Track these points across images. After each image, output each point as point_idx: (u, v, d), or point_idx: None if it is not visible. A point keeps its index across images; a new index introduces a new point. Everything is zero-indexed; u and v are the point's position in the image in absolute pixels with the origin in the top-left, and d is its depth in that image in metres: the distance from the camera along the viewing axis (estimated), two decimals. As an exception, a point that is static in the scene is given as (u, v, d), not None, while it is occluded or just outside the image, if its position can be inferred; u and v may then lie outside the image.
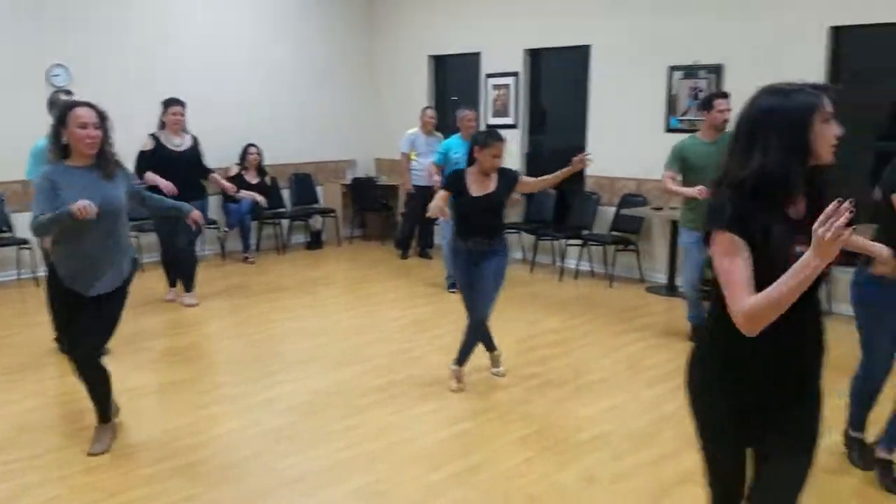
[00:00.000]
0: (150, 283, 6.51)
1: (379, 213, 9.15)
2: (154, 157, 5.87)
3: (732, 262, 1.80)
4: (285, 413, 3.98)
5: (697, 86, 6.64)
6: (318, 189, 9.11)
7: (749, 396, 1.94)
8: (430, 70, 8.99)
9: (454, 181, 4.23)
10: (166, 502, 3.07)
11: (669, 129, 6.85)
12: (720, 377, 1.97)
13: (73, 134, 3.23)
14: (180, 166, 5.93)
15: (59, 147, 3.29)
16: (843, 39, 5.97)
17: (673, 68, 6.78)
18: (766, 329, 1.76)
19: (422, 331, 5.50)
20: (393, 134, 8.46)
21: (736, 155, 1.89)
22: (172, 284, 6.28)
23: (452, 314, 5.89)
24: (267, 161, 8.30)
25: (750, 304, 1.74)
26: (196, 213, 3.86)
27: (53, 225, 3.21)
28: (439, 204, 4.07)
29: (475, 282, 4.19)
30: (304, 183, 8.92)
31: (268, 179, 8.15)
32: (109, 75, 7.11)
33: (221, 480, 3.25)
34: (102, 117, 3.29)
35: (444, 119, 9.07)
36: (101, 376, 3.48)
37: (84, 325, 3.37)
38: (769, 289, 1.71)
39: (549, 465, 3.39)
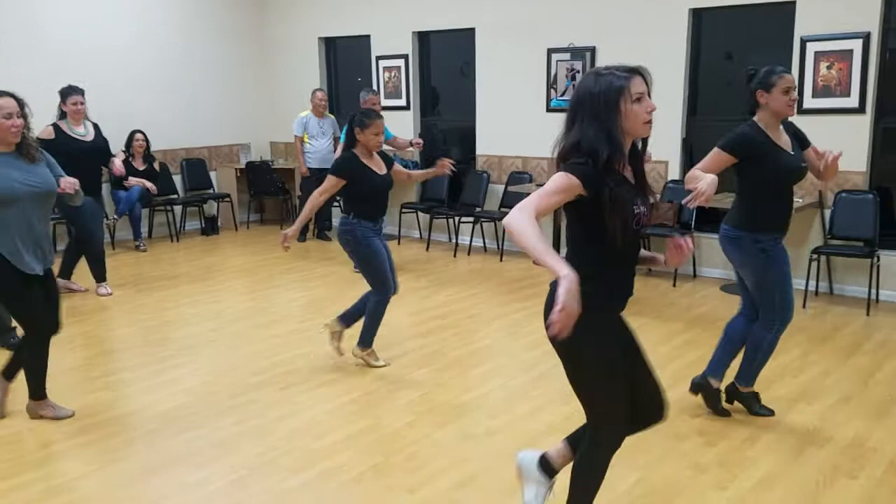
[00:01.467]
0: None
1: (276, 196, 9.16)
2: (56, 147, 5.33)
3: (552, 195, 2.08)
4: (178, 395, 4.06)
5: (574, 67, 6.99)
6: (213, 174, 9.03)
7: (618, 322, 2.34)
8: (322, 52, 9.03)
9: (351, 165, 4.15)
10: (58, 482, 3.12)
11: (550, 109, 7.19)
12: (606, 309, 2.27)
13: None
14: (87, 156, 5.76)
15: None
16: (705, 21, 6.44)
17: (551, 50, 7.11)
18: (620, 272, 2.25)
19: (318, 311, 5.64)
20: (287, 116, 8.49)
21: (565, 130, 2.21)
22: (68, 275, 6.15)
23: (350, 292, 6.05)
24: (158, 146, 8.16)
25: (527, 221, 1.99)
26: (69, 179, 3.75)
27: None
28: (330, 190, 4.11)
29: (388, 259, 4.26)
30: (196, 168, 8.82)
31: (156, 165, 8.01)
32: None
33: (115, 459, 3.33)
34: (21, 104, 3.41)
35: (338, 101, 9.17)
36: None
37: (47, 295, 3.58)
38: (541, 237, 1.97)
39: (430, 426, 3.63)
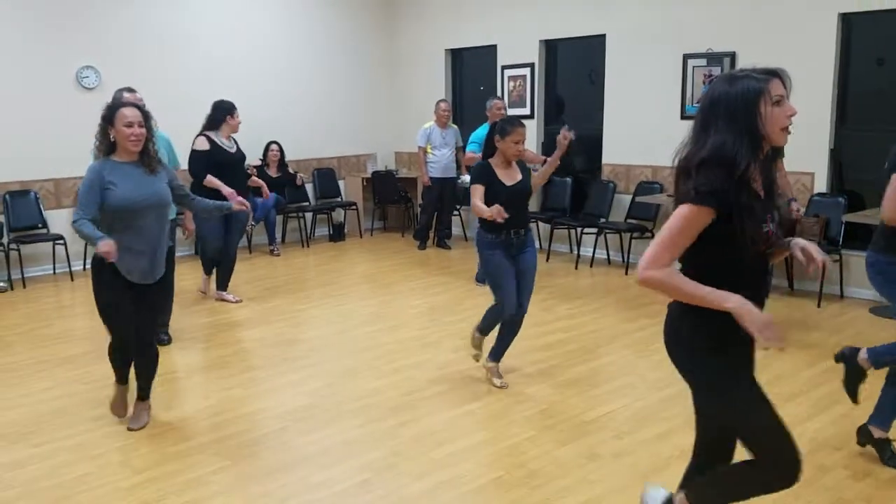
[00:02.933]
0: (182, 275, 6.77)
1: (398, 205, 9.34)
2: (212, 158, 5.79)
3: (681, 236, 1.96)
4: (305, 395, 4.19)
5: (712, 73, 6.70)
6: (341, 183, 9.34)
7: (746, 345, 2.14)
8: (448, 63, 9.14)
9: (484, 174, 4.07)
10: (192, 476, 3.28)
11: (685, 116, 6.92)
12: (727, 333, 2.02)
13: (119, 132, 3.46)
14: (237, 167, 6.00)
15: (108, 144, 3.52)
16: (854, 25, 5.99)
17: (687, 56, 6.84)
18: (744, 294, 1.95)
19: (437, 318, 5.68)
20: (412, 127, 8.63)
21: (694, 137, 2.06)
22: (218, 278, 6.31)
23: (468, 301, 6.07)
24: (291, 156, 8.55)
25: (664, 275, 1.94)
26: (239, 199, 4.06)
27: (89, 240, 3.44)
28: (496, 207, 3.85)
29: (515, 275, 4.12)
30: (326, 177, 9.15)
31: (298, 179, 8.36)
32: (136, 75, 7.33)
33: (246, 455, 3.46)
34: (146, 116, 3.54)
35: (462, 111, 9.24)
36: (153, 357, 3.76)
37: (148, 305, 3.64)
38: (689, 281, 1.92)
39: (552, 443, 3.54)
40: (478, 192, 4.02)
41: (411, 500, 3.07)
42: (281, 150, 8.34)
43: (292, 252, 8.34)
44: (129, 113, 3.46)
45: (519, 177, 4.14)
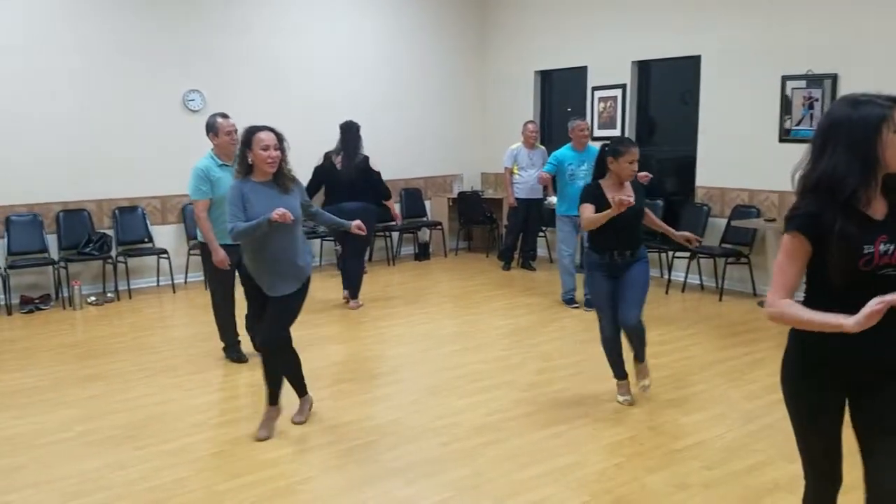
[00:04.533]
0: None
1: (483, 225, 9.37)
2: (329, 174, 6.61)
3: (787, 264, 2.00)
4: (392, 410, 4.25)
5: (812, 95, 6.45)
6: (427, 203, 9.46)
7: (831, 386, 2.10)
8: (537, 85, 9.16)
9: (594, 195, 4.04)
10: (282, 484, 3.37)
11: (784, 139, 6.68)
12: (806, 369, 2.11)
13: (256, 155, 3.69)
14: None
15: (245, 166, 3.75)
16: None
17: (786, 77, 6.61)
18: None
19: (521, 339, 5.65)
20: (499, 148, 8.66)
21: (811, 159, 2.04)
22: (345, 288, 6.87)
23: (552, 323, 6.02)
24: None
25: (781, 308, 1.98)
26: (356, 223, 4.24)
27: (253, 231, 3.66)
28: (598, 216, 3.91)
29: (615, 294, 4.10)
30: (413, 197, 9.29)
31: (397, 220, 8.43)
32: (237, 98, 7.71)
33: (334, 467, 3.54)
34: (280, 138, 3.75)
35: (550, 132, 9.22)
36: (281, 362, 3.96)
37: (266, 319, 3.86)
38: (806, 312, 1.93)
39: (640, 470, 3.45)
40: (587, 209, 4.00)
41: (494, 520, 3.05)
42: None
43: (379, 270, 8.49)
44: (266, 137, 3.68)
45: (632, 197, 4.02)
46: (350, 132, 6.68)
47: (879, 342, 1.98)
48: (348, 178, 6.51)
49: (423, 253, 9.10)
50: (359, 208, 6.30)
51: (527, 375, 4.80)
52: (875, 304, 1.78)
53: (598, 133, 8.12)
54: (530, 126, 8.03)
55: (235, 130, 4.82)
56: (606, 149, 4.08)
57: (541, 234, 8.60)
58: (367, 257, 8.62)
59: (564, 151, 6.53)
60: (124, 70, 7.34)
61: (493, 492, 3.27)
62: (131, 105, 7.39)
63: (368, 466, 3.54)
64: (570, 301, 6.59)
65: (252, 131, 3.71)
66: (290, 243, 3.77)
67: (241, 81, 7.92)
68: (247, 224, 3.65)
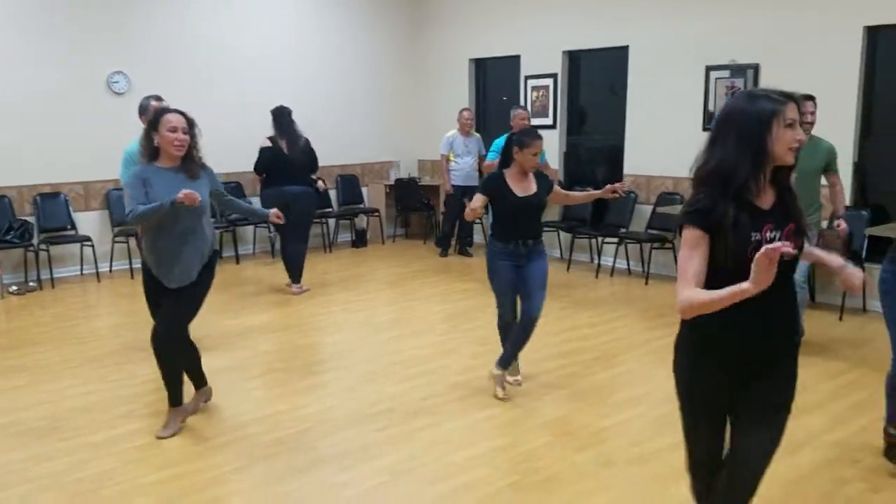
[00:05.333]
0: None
1: (421, 212, 9.40)
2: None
3: (690, 256, 2.03)
4: (326, 398, 4.25)
5: (735, 85, 6.69)
6: (364, 189, 9.42)
7: (722, 372, 2.15)
8: (471, 73, 9.21)
9: (495, 184, 4.13)
10: (214, 474, 3.35)
11: (707, 129, 6.92)
12: (698, 354, 2.18)
13: (163, 137, 3.52)
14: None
15: (151, 149, 3.58)
16: (881, 39, 5.96)
17: (710, 68, 6.84)
18: (735, 313, 1.95)
19: (457, 325, 5.72)
20: (435, 135, 8.70)
21: (706, 149, 2.12)
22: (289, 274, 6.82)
23: (488, 308, 6.08)
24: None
25: (688, 297, 1.98)
26: (274, 211, 4.13)
27: (153, 214, 3.48)
28: (477, 207, 4.02)
29: (518, 285, 4.17)
30: (350, 183, 9.24)
31: (320, 185, 8.42)
32: (165, 81, 7.50)
33: (267, 455, 3.52)
34: (191, 123, 3.59)
35: (485, 120, 9.30)
36: (181, 358, 3.80)
37: (164, 310, 3.69)
38: (709, 292, 1.95)
39: (569, 449, 3.56)
40: (479, 198, 4.08)
41: (429, 503, 3.10)
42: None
43: (315, 257, 8.42)
44: (174, 119, 3.52)
45: (533, 189, 4.14)
46: (283, 117, 6.71)
47: (767, 327, 2.09)
48: (299, 162, 6.62)
49: (360, 240, 9.08)
50: (305, 192, 6.61)
51: (462, 360, 4.87)
52: (758, 257, 1.77)
53: (532, 122, 8.21)
54: (465, 113, 8.09)
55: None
56: (513, 139, 4.14)
57: (477, 220, 8.67)
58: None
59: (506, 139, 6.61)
60: (45, 50, 7.04)
61: (428, 475, 3.32)
62: (52, 87, 7.10)
63: (302, 454, 3.54)
64: None
65: (160, 112, 3.56)
66: (195, 232, 3.59)
67: (168, 64, 7.70)
68: (146, 206, 3.46)
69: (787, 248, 1.76)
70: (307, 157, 6.72)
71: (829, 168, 4.90)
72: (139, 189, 3.52)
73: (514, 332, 4.23)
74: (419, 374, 4.62)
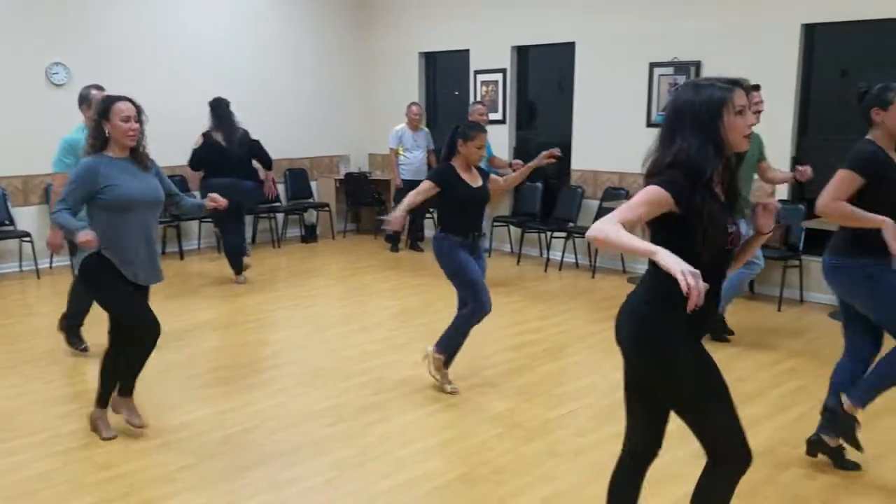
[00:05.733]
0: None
1: (371, 207, 9.36)
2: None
3: (638, 206, 2.00)
4: (274, 395, 4.21)
5: (677, 82, 6.83)
6: (313, 184, 9.33)
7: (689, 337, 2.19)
8: (421, 66, 9.20)
9: (446, 174, 4.12)
10: (158, 473, 3.29)
11: (651, 125, 7.05)
12: (692, 339, 2.18)
13: (116, 127, 3.39)
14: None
15: (102, 139, 3.43)
16: (818, 36, 6.17)
17: (654, 65, 6.98)
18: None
19: (409, 319, 5.72)
20: (386, 129, 8.65)
21: (661, 144, 2.13)
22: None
23: (439, 303, 6.12)
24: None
25: (607, 230, 1.93)
26: (212, 195, 3.89)
27: (68, 229, 3.35)
28: (416, 201, 4.02)
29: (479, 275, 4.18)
30: (298, 177, 9.14)
31: (261, 173, 8.27)
32: (106, 73, 7.28)
33: (212, 454, 3.47)
34: (139, 110, 3.47)
35: (436, 114, 9.31)
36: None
37: (145, 304, 3.59)
38: (626, 235, 1.91)
39: (517, 440, 3.61)
40: (423, 185, 4.08)
41: (377, 497, 3.11)
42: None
43: (263, 252, 8.32)
44: (126, 107, 3.40)
45: (479, 182, 4.22)
46: (221, 108, 6.70)
47: (715, 307, 2.21)
48: (238, 155, 6.62)
49: (309, 235, 8.99)
50: (243, 184, 6.60)
51: (413, 354, 4.87)
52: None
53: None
54: (414, 108, 8.08)
55: None
56: (458, 131, 4.15)
57: (428, 215, 8.68)
58: (250, 236, 8.47)
59: None
60: (-23, 40, 6.79)
61: (378, 469, 3.33)
62: (-13, 78, 6.85)
63: (248, 452, 3.50)
64: None
65: (110, 101, 3.43)
66: (153, 227, 3.59)
67: (110, 55, 7.49)
68: (67, 220, 3.32)
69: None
70: (245, 148, 6.72)
71: (761, 157, 5.07)
72: (83, 191, 3.37)
73: (467, 321, 4.18)
74: (370, 369, 4.61)
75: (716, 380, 2.17)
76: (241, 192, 6.54)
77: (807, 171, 4.92)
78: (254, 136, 8.26)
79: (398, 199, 8.27)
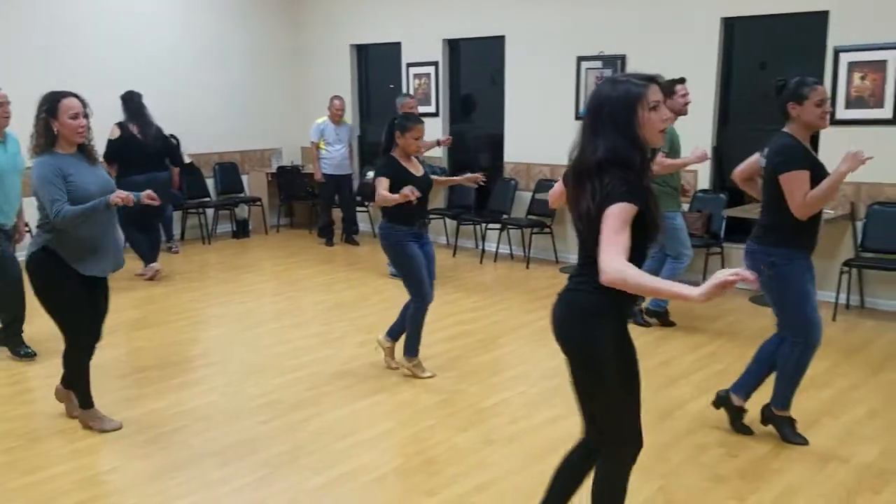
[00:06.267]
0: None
1: (305, 201, 9.26)
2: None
3: (622, 229, 2.02)
4: (204, 393, 4.14)
5: (604, 75, 6.98)
6: (244, 178, 9.16)
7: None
8: (353, 59, 9.14)
9: (392, 166, 4.16)
10: (83, 476, 3.20)
11: (580, 118, 7.17)
12: (623, 324, 2.25)
13: (65, 125, 3.34)
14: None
15: (51, 137, 3.36)
16: (737, 30, 6.40)
17: (581, 58, 7.11)
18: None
19: (343, 313, 5.70)
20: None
21: (585, 140, 2.17)
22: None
23: (374, 296, 6.13)
24: (191, 150, 8.30)
25: (622, 269, 1.97)
26: (147, 192, 3.76)
27: (91, 213, 3.34)
28: (408, 187, 3.97)
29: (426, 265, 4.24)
30: (229, 171, 8.96)
31: (186, 158, 8.00)
32: (18, 66, 6.98)
33: (140, 455, 3.40)
34: (85, 105, 3.43)
35: (368, 107, 9.26)
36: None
37: (91, 311, 3.54)
38: (652, 279, 2.00)
39: (451, 430, 3.65)
40: (383, 183, 4.08)
41: (310, 493, 3.10)
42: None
43: (193, 249, 8.14)
44: (74, 104, 3.37)
45: (422, 171, 4.31)
46: (133, 102, 6.69)
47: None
48: (153, 148, 6.62)
49: (241, 230, 8.83)
50: (160, 178, 6.57)
51: (347, 348, 4.87)
52: (725, 281, 1.89)
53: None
54: (336, 102, 8.04)
55: (8, 102, 4.42)
56: (395, 123, 4.21)
57: (364, 208, 8.65)
58: (178, 232, 8.27)
59: None
60: None
61: (311, 465, 3.32)
62: None
63: (178, 452, 3.44)
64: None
65: (57, 97, 3.37)
66: (112, 221, 3.58)
67: (22, 47, 7.17)
68: (82, 207, 3.31)
69: (751, 278, 1.91)
70: (160, 143, 6.73)
71: (673, 152, 5.18)
72: (60, 185, 3.31)
73: (416, 317, 4.29)
74: (303, 364, 4.59)
75: (633, 367, 2.26)
76: (159, 185, 6.38)
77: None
78: (181, 128, 8.12)
79: (321, 193, 8.26)
